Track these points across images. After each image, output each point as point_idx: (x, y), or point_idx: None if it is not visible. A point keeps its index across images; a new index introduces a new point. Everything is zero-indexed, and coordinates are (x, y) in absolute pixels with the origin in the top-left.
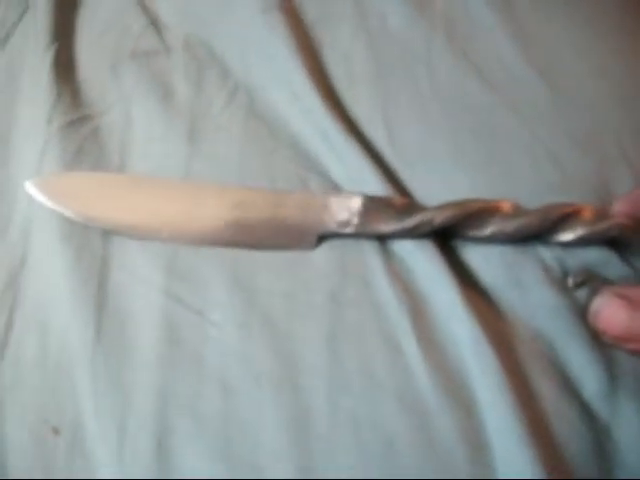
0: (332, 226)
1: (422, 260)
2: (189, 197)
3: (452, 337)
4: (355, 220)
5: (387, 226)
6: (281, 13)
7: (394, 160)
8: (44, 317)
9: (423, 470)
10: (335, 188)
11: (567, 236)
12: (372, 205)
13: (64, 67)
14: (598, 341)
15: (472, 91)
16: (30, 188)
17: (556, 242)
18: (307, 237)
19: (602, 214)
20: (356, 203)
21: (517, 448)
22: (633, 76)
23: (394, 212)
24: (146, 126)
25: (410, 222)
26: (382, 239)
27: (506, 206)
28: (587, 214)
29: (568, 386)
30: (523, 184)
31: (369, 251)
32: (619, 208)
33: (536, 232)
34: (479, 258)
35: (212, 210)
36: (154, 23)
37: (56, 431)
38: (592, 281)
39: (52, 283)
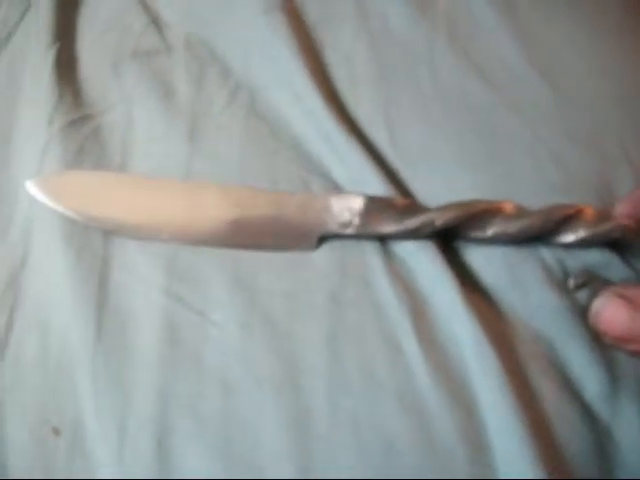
0: (333, 227)
1: (423, 261)
2: (190, 197)
3: (453, 337)
4: (356, 221)
5: (388, 227)
6: (283, 14)
7: (396, 161)
8: (45, 317)
9: (423, 470)
10: (337, 189)
11: (569, 238)
12: (373, 206)
13: (65, 66)
14: (599, 342)
15: (474, 91)
16: (31, 188)
17: (558, 243)
18: (308, 238)
19: (604, 215)
20: (357, 204)
21: (518, 449)
22: (635, 76)
23: (395, 213)
24: (147, 125)
25: (412, 223)
26: (383, 240)
27: (508, 207)
28: (589, 216)
29: (569, 387)
30: (525, 184)
31: (370, 252)
32: (621, 209)
33: (538, 233)
34: (481, 259)
35: (213, 210)
36: (155, 22)
37: (56, 431)
38: (593, 282)
39: (53, 283)
